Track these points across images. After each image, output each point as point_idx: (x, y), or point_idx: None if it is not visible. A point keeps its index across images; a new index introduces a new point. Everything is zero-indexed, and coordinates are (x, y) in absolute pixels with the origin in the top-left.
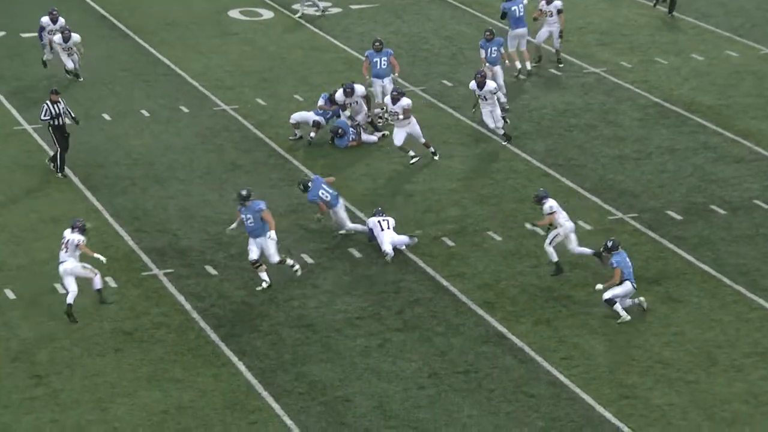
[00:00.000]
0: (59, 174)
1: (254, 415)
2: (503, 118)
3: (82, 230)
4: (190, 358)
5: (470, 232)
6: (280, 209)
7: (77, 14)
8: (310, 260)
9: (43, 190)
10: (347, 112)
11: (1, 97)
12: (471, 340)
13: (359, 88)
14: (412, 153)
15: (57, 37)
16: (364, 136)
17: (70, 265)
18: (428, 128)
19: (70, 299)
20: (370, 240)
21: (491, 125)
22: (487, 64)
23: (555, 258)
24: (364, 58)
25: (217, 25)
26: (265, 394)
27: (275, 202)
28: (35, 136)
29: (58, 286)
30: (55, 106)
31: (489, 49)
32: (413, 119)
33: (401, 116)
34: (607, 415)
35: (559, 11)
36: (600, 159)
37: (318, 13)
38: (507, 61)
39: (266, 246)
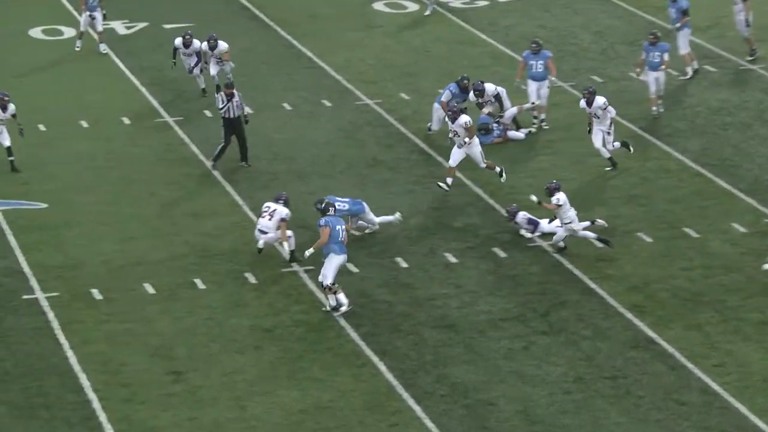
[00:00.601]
0: (244, 163)
1: (395, 417)
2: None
3: (287, 203)
4: (330, 357)
5: (619, 233)
6: (422, 207)
7: (218, 4)
8: (453, 259)
9: (183, 184)
10: (486, 110)
11: (143, 89)
12: (619, 344)
13: (489, 87)
14: (449, 181)
15: (204, 45)
16: (511, 133)
17: (271, 235)
18: (577, 125)
19: (291, 246)
20: (533, 231)
21: (597, 144)
22: (643, 69)
23: (591, 234)
24: (520, 59)
25: (361, 18)
26: (406, 395)
27: (418, 199)
28: (176, 128)
29: (197, 281)
30: (229, 99)
31: (651, 54)
32: (475, 140)
33: (462, 136)
34: (761, 425)
35: None
36: (756, 159)
37: (428, 13)
38: (687, 65)
39: (331, 264)
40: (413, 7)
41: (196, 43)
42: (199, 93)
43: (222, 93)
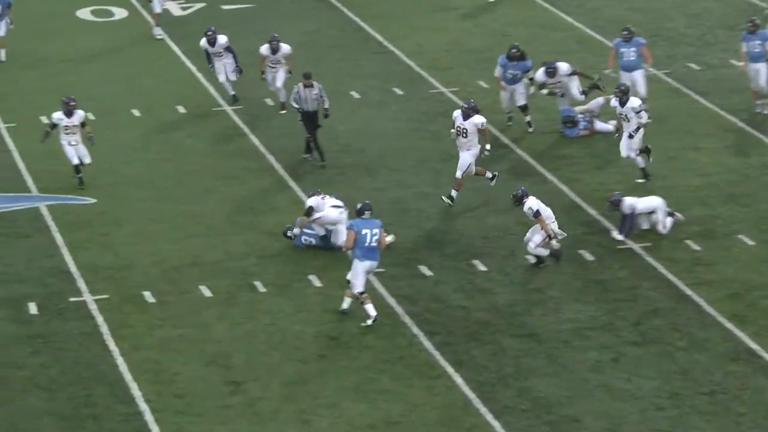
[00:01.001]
0: (308, 156)
1: None
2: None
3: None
4: (401, 368)
5: (718, 235)
6: (502, 204)
7: None
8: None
9: (242, 178)
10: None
11: (199, 75)
12: (717, 357)
13: (563, 67)
14: (489, 174)
15: (264, 48)
16: (599, 125)
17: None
18: (671, 117)
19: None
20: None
21: (624, 154)
22: (746, 61)
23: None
24: (610, 46)
25: None
26: (483, 410)
27: (498, 198)
28: (235, 118)
29: (257, 283)
30: (307, 90)
31: (751, 43)
32: (477, 146)
33: (470, 137)
34: None
35: None
36: None
37: None
38: None
39: (355, 270)
40: None
41: (221, 39)
42: (230, 98)
43: (300, 84)
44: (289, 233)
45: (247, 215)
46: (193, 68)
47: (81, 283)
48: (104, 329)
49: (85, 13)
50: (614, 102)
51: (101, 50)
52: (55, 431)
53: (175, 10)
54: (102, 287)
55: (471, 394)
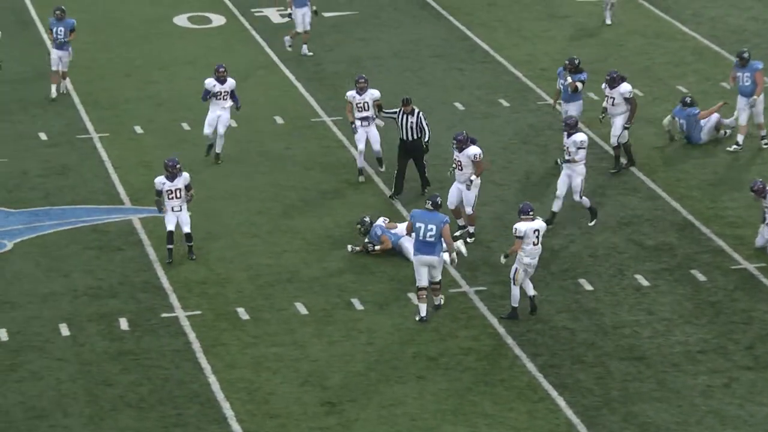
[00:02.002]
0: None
1: None
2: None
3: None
4: (502, 390)
5: None
6: (610, 221)
7: None
8: (645, 282)
9: (339, 191)
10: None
11: (299, 84)
12: None
13: (625, 87)
14: (472, 230)
15: (350, 94)
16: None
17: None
18: None
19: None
20: None
21: (558, 192)
22: None
23: (515, 302)
24: (725, 56)
25: (545, 6)
26: None
27: (605, 212)
28: (335, 129)
29: (355, 301)
30: (406, 117)
31: None
32: (478, 181)
33: (467, 172)
34: None
35: None
36: None
37: None
38: None
39: (423, 264)
40: None
41: (231, 80)
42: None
43: (400, 109)
44: (366, 219)
45: (345, 230)
46: (292, 77)
47: (173, 299)
48: (196, 346)
49: (182, 20)
50: (565, 136)
51: (198, 58)
52: None
53: (275, 17)
54: (195, 303)
55: (575, 419)
